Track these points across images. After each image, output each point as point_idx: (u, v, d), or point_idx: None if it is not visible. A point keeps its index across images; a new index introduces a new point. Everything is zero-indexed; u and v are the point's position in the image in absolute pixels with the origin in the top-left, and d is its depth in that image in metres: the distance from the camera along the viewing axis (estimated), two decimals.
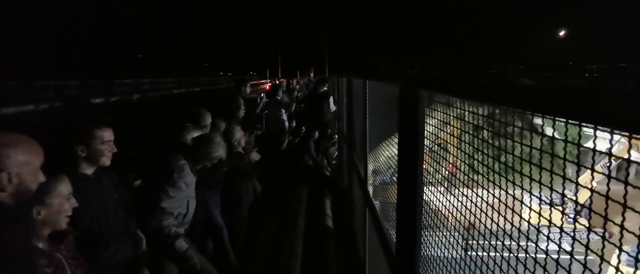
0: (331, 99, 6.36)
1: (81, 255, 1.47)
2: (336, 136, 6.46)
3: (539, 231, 0.85)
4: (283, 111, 6.42)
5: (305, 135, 6.15)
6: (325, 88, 6.65)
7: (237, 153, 3.31)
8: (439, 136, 1.29)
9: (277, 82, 13.71)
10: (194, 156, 2.39)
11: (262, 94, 6.50)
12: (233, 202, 3.26)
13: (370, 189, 2.58)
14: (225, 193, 3.06)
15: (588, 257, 0.67)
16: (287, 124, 6.48)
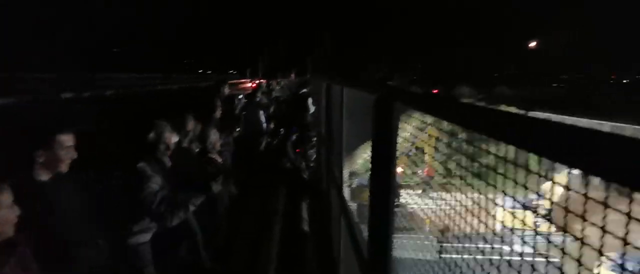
0: (310, 101, 6.36)
1: (38, 266, 1.38)
2: (315, 139, 6.45)
3: (513, 233, 0.86)
4: (261, 112, 6.37)
5: (284, 137, 6.11)
6: (305, 90, 6.65)
7: (210, 158, 3.24)
8: (415, 141, 1.30)
9: (257, 82, 13.63)
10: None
11: (240, 95, 6.43)
12: (207, 206, 3.19)
13: (346, 192, 2.58)
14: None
15: (555, 259, 0.68)
16: (265, 125, 6.43)
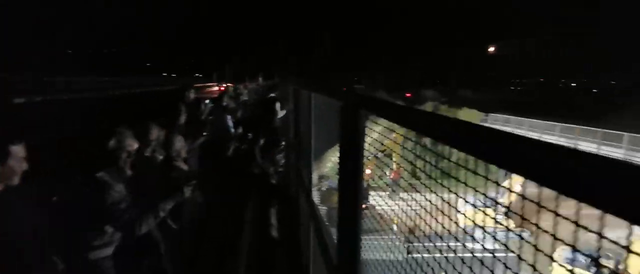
0: (278, 105, 6.32)
1: None
2: (283, 143, 6.41)
3: (476, 230, 0.89)
4: (229, 116, 6.25)
5: (252, 142, 6.03)
6: (273, 94, 6.61)
7: (175, 166, 3.13)
8: (384, 143, 1.32)
9: (224, 86, 13.39)
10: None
11: (206, 100, 6.28)
12: (173, 215, 3.08)
13: (316, 196, 2.58)
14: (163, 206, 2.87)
15: (510, 254, 0.71)
16: (232, 130, 6.32)
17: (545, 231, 0.61)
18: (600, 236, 0.45)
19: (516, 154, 0.52)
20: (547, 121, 21.07)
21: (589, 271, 10.42)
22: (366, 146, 1.28)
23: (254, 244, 3.51)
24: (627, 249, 0.45)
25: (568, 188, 0.43)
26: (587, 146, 17.88)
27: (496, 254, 0.77)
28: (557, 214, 0.51)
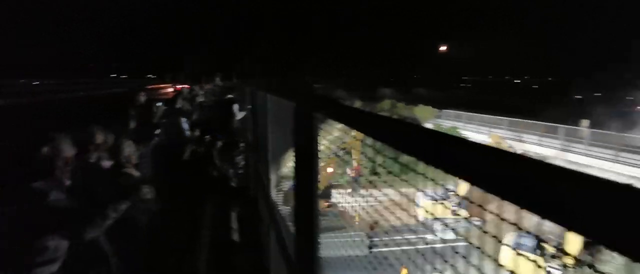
0: (236, 107, 6.18)
1: None
2: (242, 145, 6.28)
3: (443, 221, 0.91)
4: (184, 119, 6.01)
5: (209, 144, 5.85)
6: (231, 95, 6.47)
7: (125, 173, 2.95)
8: (345, 141, 1.32)
9: (179, 87, 12.88)
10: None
11: (158, 103, 5.99)
12: (124, 225, 2.90)
13: (279, 196, 2.54)
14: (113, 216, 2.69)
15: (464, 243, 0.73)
16: (188, 133, 6.08)
17: (496, 219, 0.63)
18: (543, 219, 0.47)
19: (455, 157, 0.53)
20: (495, 115, 22.41)
21: (534, 253, 11.21)
22: (327, 144, 1.27)
23: (214, 249, 3.40)
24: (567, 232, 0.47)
25: (502, 191, 0.44)
26: (529, 138, 19.23)
27: (452, 244, 0.79)
28: (503, 202, 0.53)
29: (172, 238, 3.54)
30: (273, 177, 2.60)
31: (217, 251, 3.38)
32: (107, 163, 2.99)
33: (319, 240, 1.39)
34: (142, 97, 4.56)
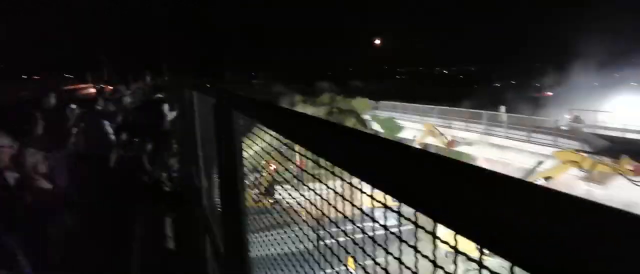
0: (167, 107, 5.83)
1: None
2: (176, 147, 5.96)
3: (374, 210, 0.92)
4: (106, 122, 5.53)
5: (138, 148, 5.45)
6: (161, 95, 6.08)
7: (32, 185, 2.63)
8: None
9: (100, 87, 11.84)
10: None
11: (72, 105, 5.41)
12: (37, 245, 2.59)
13: (207, 200, 2.43)
14: (23, 236, 2.38)
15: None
16: (112, 137, 5.60)
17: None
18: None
19: (363, 159, 0.53)
20: (427, 104, 23.85)
21: None
22: (269, 139, 1.22)
23: (147, 262, 3.17)
24: None
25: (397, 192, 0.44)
26: (457, 124, 20.79)
27: (396, 229, 0.79)
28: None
29: (98, 254, 3.24)
30: (205, 179, 2.48)
31: (150, 263, 3.16)
32: (11, 176, 2.64)
33: (248, 240, 1.35)
34: (52, 100, 4.08)
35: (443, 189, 0.36)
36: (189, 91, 2.71)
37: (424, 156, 0.41)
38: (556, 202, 0.29)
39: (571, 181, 13.54)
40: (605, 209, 0.26)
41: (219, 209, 2.36)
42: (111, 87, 11.27)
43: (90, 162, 4.76)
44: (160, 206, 4.46)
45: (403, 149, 0.44)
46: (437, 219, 0.37)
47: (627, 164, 11.28)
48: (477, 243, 0.32)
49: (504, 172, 0.34)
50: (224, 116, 1.16)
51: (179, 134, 4.95)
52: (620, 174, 11.42)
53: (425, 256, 0.49)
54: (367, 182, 0.46)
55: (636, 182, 11.13)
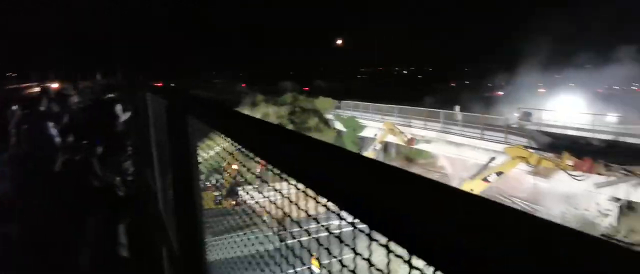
0: (119, 107, 5.52)
1: None
2: (130, 148, 5.66)
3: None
4: (51, 124, 5.14)
5: (88, 151, 5.12)
6: (112, 95, 5.76)
7: None
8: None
9: (45, 87, 11.04)
10: None
11: (13, 106, 4.98)
12: None
13: (162, 204, 2.33)
14: None
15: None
16: (58, 139, 5.23)
17: None
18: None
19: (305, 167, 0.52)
20: (388, 104, 24.43)
21: None
22: (231, 140, 1.18)
23: (98, 269, 2.99)
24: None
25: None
26: (416, 123, 21.48)
27: (358, 225, 0.78)
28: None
29: (41, 263, 3.00)
30: (161, 183, 2.37)
31: (102, 270, 2.98)
32: None
33: (205, 244, 1.30)
34: None
35: (372, 194, 0.36)
36: (142, 91, 2.57)
37: (355, 159, 0.41)
38: (476, 208, 0.30)
39: (520, 176, 14.45)
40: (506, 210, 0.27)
41: (175, 214, 2.26)
42: (57, 86, 10.52)
43: (33, 167, 4.40)
44: (112, 212, 4.21)
45: (347, 156, 0.44)
46: (369, 225, 0.36)
47: (568, 159, 12.19)
48: (404, 247, 0.32)
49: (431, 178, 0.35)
50: (176, 119, 1.11)
51: (133, 135, 4.71)
52: (562, 169, 12.32)
53: (360, 254, 0.49)
54: (312, 189, 0.45)
55: (575, 177, 12.07)
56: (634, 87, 40.49)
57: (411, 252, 0.31)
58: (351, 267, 0.69)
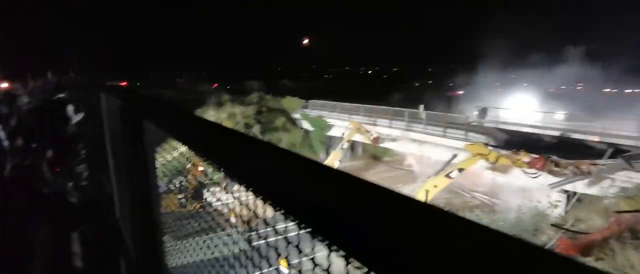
0: (72, 108, 5.20)
1: None
2: (84, 152, 5.35)
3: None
4: None
5: (37, 155, 4.79)
6: (63, 94, 5.43)
7: None
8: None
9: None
10: None
11: None
12: None
13: (119, 211, 2.22)
14: None
15: None
16: (6, 143, 4.86)
17: None
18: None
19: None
20: (354, 103, 24.73)
21: None
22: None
23: None
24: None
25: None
26: (382, 122, 21.91)
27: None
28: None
29: None
30: (116, 188, 2.25)
31: None
32: None
33: (165, 249, 1.25)
34: None
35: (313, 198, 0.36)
36: (96, 91, 2.43)
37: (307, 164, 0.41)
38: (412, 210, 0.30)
39: (480, 172, 15.14)
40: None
41: (131, 220, 2.16)
42: (6, 86, 9.78)
43: None
44: (65, 219, 3.96)
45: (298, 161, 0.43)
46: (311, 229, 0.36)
47: (525, 157, 12.95)
48: (342, 249, 0.32)
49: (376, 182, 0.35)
50: (131, 120, 1.06)
51: (86, 138, 4.46)
52: (518, 167, 13.11)
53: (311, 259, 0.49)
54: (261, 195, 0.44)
55: (529, 174, 12.88)
56: (578, 87, 43.64)
57: (349, 255, 0.31)
58: (324, 266, 0.68)
